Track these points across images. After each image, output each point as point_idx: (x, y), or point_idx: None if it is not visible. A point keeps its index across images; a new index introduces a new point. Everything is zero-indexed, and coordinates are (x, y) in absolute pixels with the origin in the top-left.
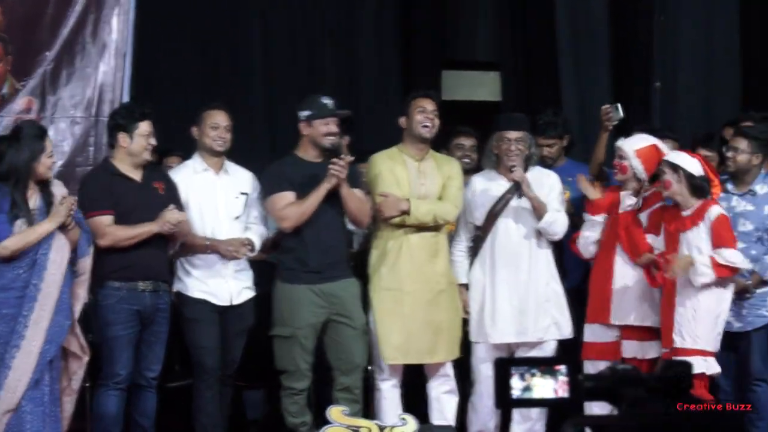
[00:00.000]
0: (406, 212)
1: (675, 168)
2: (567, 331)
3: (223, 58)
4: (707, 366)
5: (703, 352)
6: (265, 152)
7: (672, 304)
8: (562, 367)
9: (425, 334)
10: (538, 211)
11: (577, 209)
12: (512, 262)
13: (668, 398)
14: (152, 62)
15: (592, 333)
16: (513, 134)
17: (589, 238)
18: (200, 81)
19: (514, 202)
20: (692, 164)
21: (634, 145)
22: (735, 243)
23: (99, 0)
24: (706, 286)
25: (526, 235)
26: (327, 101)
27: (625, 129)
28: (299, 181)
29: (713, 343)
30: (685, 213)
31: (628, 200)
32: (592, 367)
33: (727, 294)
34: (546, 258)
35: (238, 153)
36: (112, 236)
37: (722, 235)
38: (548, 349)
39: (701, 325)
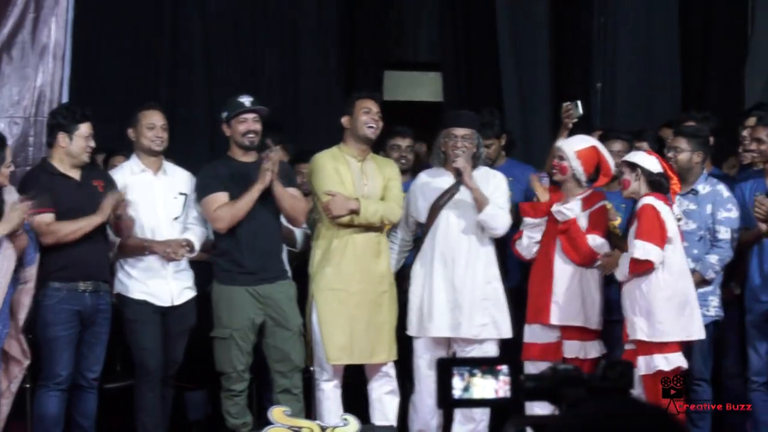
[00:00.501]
0: (355, 212)
1: (632, 167)
2: (505, 332)
3: (163, 58)
4: (667, 363)
5: (660, 348)
6: (205, 152)
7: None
8: (504, 367)
9: (368, 334)
10: (479, 203)
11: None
12: (450, 257)
13: (609, 398)
14: (92, 62)
15: (533, 334)
16: (460, 131)
17: (531, 239)
18: (140, 81)
19: (458, 197)
20: (649, 161)
21: (574, 146)
22: (653, 235)
23: (38, 0)
24: (636, 278)
25: (466, 231)
26: (244, 99)
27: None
28: (232, 182)
29: (667, 333)
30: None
31: (566, 212)
32: (534, 367)
33: (666, 281)
34: (487, 256)
35: (179, 153)
36: (56, 233)
37: (641, 225)
38: (488, 349)
39: (647, 317)
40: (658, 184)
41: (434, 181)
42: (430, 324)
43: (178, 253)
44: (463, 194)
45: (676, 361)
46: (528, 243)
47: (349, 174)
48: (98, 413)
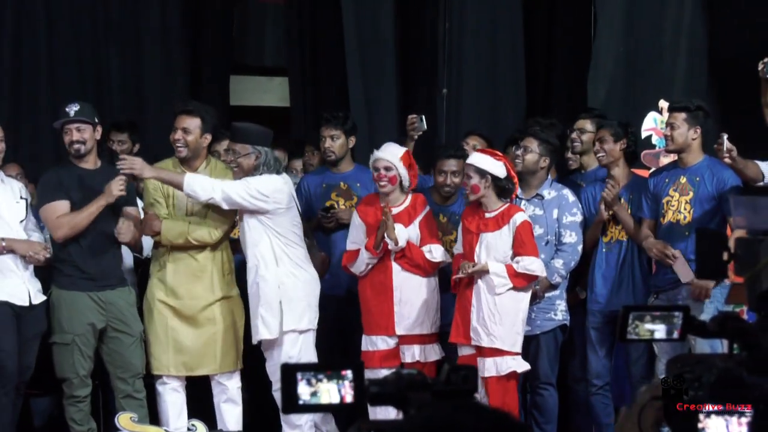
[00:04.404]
0: (158, 232)
1: (482, 173)
2: (274, 331)
3: (5, 63)
4: (517, 364)
5: (508, 353)
6: (50, 159)
7: (467, 303)
8: (348, 372)
9: (192, 348)
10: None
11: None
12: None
13: (452, 401)
14: None
15: (371, 342)
16: (230, 144)
17: (368, 265)
18: None
19: None
20: (497, 167)
21: (397, 153)
22: (536, 249)
23: None
24: (486, 285)
25: (251, 238)
26: (69, 108)
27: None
28: (75, 189)
29: (515, 344)
30: (489, 214)
31: (396, 247)
32: (373, 375)
33: (523, 295)
34: (258, 259)
35: (23, 158)
36: None
37: (525, 242)
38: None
39: (501, 326)
40: (505, 190)
41: None
42: None
43: (40, 254)
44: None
45: (523, 363)
46: (366, 268)
47: (172, 189)
48: None
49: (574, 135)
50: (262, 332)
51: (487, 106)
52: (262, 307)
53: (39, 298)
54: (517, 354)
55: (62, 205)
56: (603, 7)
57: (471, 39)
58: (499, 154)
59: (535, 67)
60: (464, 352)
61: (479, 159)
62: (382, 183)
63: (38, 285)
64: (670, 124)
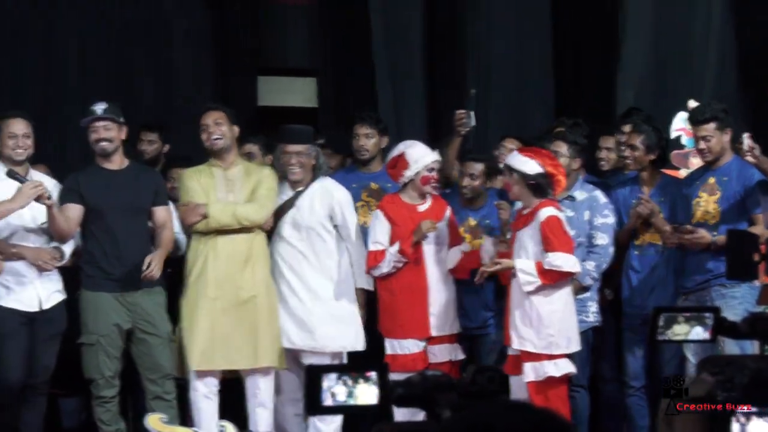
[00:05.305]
0: (205, 216)
1: (511, 170)
2: (352, 343)
3: (33, 66)
4: (557, 369)
5: (550, 356)
6: (77, 158)
7: (509, 306)
8: (373, 374)
9: (232, 340)
10: None
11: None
12: (294, 270)
13: (480, 402)
14: None
15: (401, 346)
16: (292, 147)
17: (395, 268)
18: (10, 88)
19: (293, 213)
20: (526, 164)
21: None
22: (567, 245)
23: None
24: (535, 290)
25: (299, 247)
26: (96, 106)
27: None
28: (96, 191)
29: (549, 346)
30: (524, 212)
31: (455, 254)
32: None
33: (557, 295)
34: (335, 270)
35: (50, 160)
36: None
37: (550, 238)
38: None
39: (531, 328)
40: (538, 187)
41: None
42: (281, 333)
43: (49, 264)
44: (300, 210)
45: (565, 366)
46: (389, 270)
47: (212, 183)
48: None
49: (623, 139)
50: (339, 343)
51: (516, 107)
52: (343, 323)
53: (54, 300)
54: (557, 357)
55: (69, 208)
56: (631, 8)
57: (499, 40)
58: (543, 151)
59: (563, 69)
60: (511, 353)
61: (510, 156)
62: (435, 184)
63: (57, 286)
64: (702, 138)
